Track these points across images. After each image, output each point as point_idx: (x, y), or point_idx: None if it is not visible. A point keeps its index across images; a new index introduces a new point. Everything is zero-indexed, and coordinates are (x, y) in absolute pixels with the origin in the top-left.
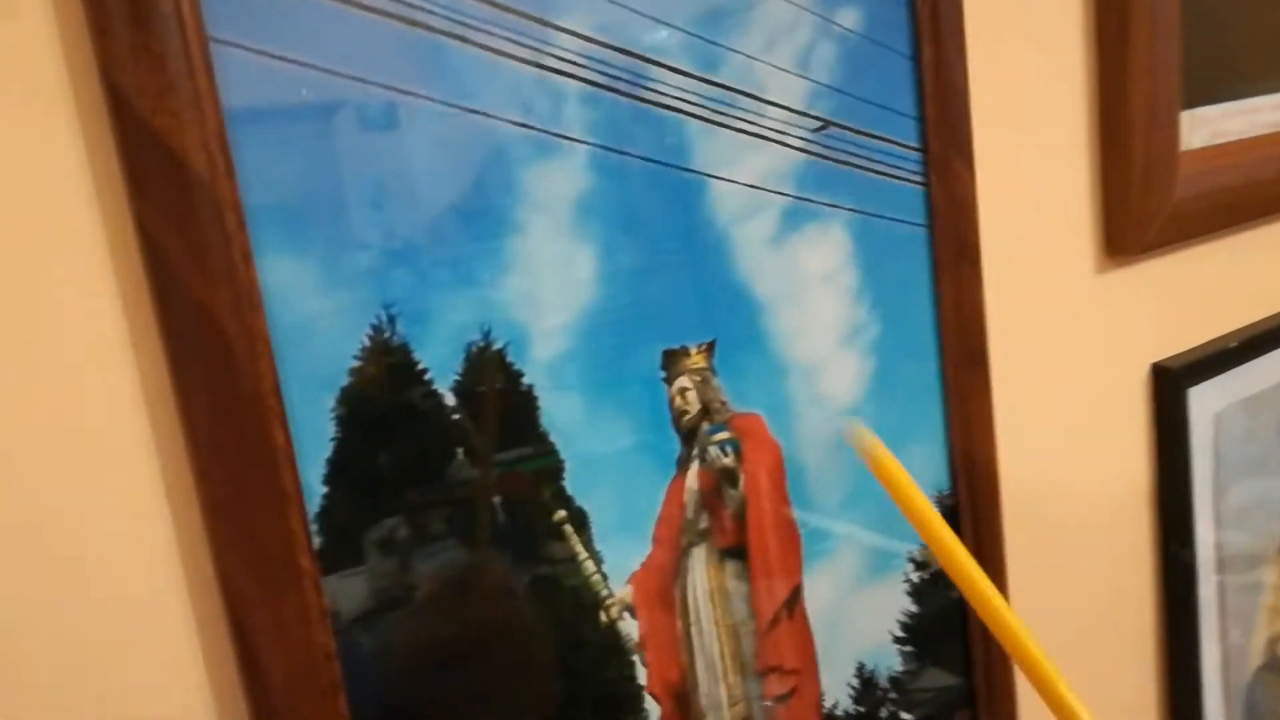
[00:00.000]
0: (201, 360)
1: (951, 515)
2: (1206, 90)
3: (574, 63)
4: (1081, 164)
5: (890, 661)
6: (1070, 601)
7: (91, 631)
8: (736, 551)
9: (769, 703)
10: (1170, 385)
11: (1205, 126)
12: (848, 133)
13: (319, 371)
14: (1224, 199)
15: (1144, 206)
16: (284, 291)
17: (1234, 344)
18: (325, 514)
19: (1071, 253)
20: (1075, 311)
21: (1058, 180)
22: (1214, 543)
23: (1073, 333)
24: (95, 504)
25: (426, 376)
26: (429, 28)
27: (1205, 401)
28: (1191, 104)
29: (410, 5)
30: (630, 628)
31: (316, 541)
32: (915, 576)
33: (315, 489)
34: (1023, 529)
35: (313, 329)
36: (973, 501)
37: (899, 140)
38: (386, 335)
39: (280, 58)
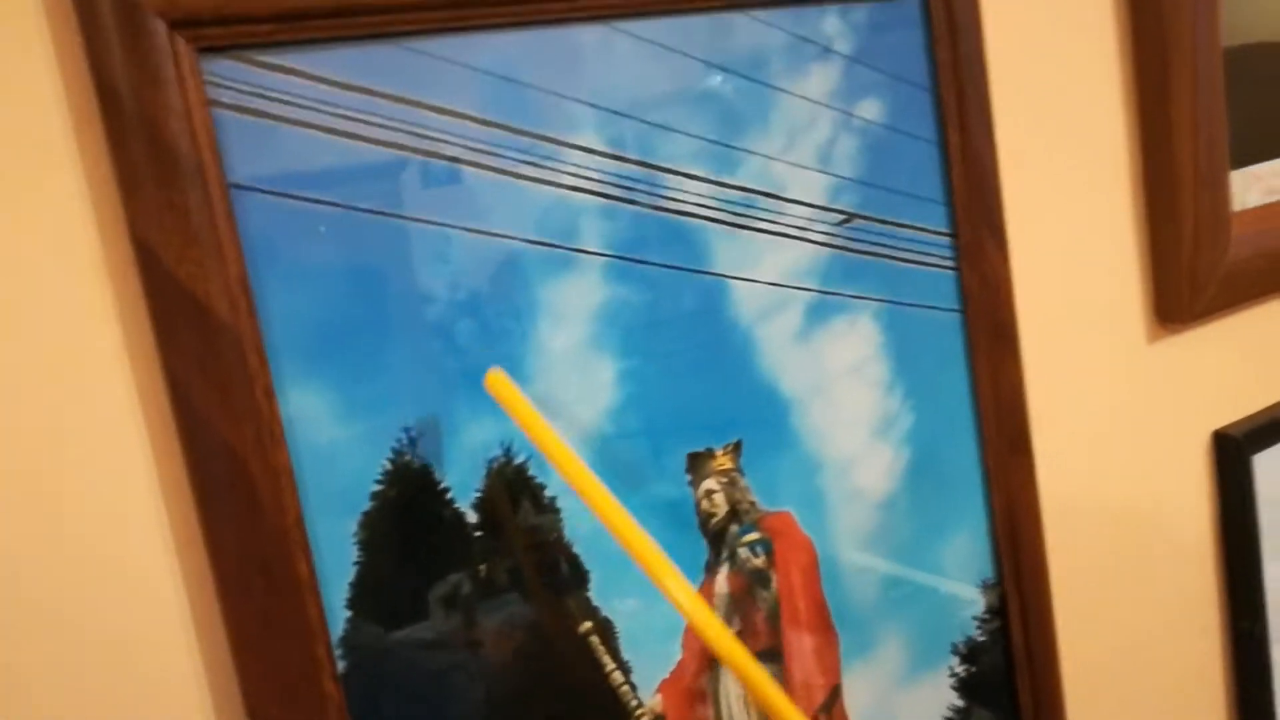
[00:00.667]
0: (227, 498)
1: (1000, 605)
2: (1258, 146)
3: (589, 178)
4: (1127, 230)
5: None
6: (1135, 690)
7: None
8: (771, 654)
9: None
10: (1233, 453)
11: (1258, 184)
12: (873, 223)
13: (341, 498)
14: None
15: (1196, 270)
16: (306, 422)
17: None
18: (348, 638)
19: (1120, 323)
20: (1127, 384)
21: (1101, 250)
22: None
23: (1125, 406)
24: (127, 643)
25: (448, 496)
26: (443, 156)
27: (1271, 468)
28: (1242, 162)
29: (424, 136)
30: None
31: (341, 666)
32: (961, 669)
33: (339, 613)
34: (1076, 616)
35: (335, 457)
36: (1020, 591)
37: (927, 226)
38: (408, 458)
39: (298, 197)
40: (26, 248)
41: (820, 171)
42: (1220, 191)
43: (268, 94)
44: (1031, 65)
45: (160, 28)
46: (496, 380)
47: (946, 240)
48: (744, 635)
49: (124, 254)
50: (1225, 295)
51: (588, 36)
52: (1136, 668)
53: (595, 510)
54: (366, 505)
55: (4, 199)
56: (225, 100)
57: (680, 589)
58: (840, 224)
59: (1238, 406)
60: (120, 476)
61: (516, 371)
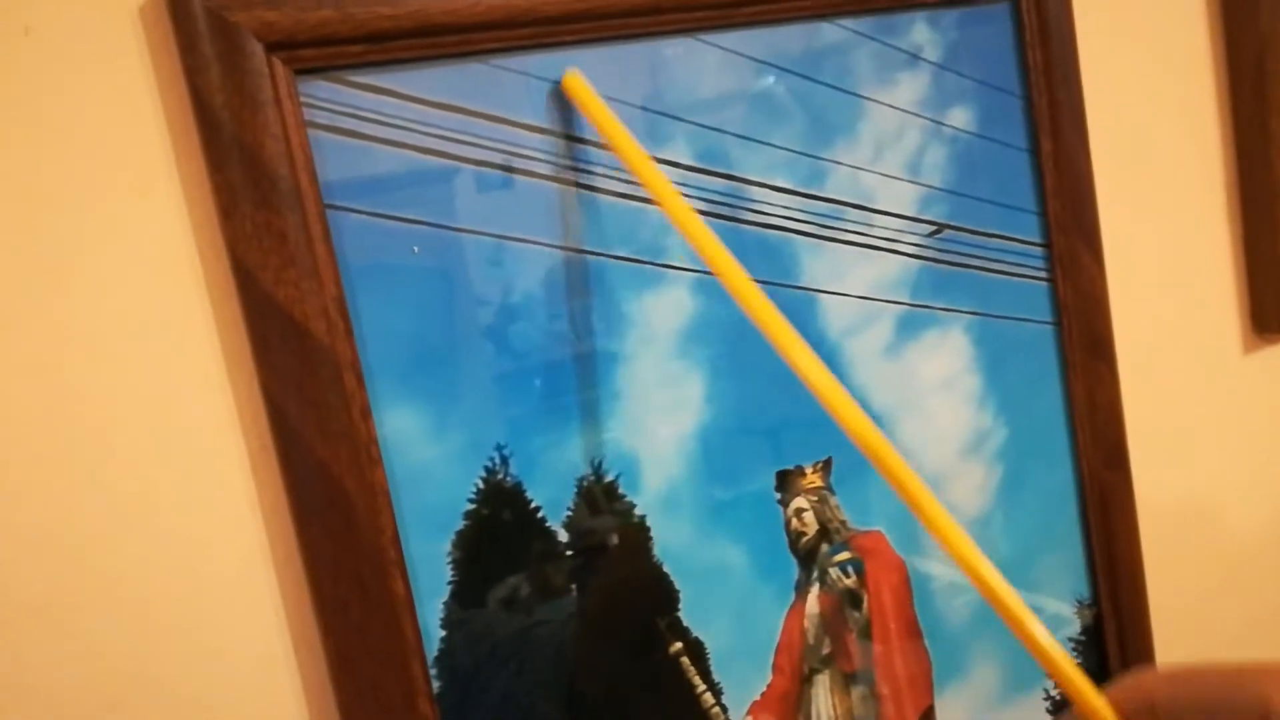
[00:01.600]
0: (324, 517)
1: (1095, 625)
2: None
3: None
4: (1222, 239)
5: None
6: None
7: None
8: (862, 676)
9: None
10: None
11: None
12: (964, 234)
13: (436, 517)
14: None
15: None
16: (400, 441)
17: None
18: (443, 658)
19: (1216, 335)
20: (1224, 397)
21: (1197, 260)
22: None
23: (1223, 419)
24: (226, 660)
25: (540, 514)
26: (534, 174)
27: None
28: None
29: (513, 154)
30: None
31: (436, 685)
32: (1056, 692)
33: (434, 633)
34: (1175, 637)
35: (429, 476)
36: (1117, 611)
37: (1020, 237)
38: (500, 476)
39: (392, 217)
40: (128, 270)
41: (909, 181)
42: None
43: (362, 114)
44: (1125, 71)
45: (257, 49)
46: (573, 81)
47: (1040, 251)
48: (835, 657)
49: (223, 275)
50: None
51: (673, 50)
52: None
53: (667, 211)
54: (460, 524)
55: (106, 222)
56: (321, 121)
57: (737, 278)
58: (930, 235)
59: None
60: (219, 495)
61: (604, 390)
